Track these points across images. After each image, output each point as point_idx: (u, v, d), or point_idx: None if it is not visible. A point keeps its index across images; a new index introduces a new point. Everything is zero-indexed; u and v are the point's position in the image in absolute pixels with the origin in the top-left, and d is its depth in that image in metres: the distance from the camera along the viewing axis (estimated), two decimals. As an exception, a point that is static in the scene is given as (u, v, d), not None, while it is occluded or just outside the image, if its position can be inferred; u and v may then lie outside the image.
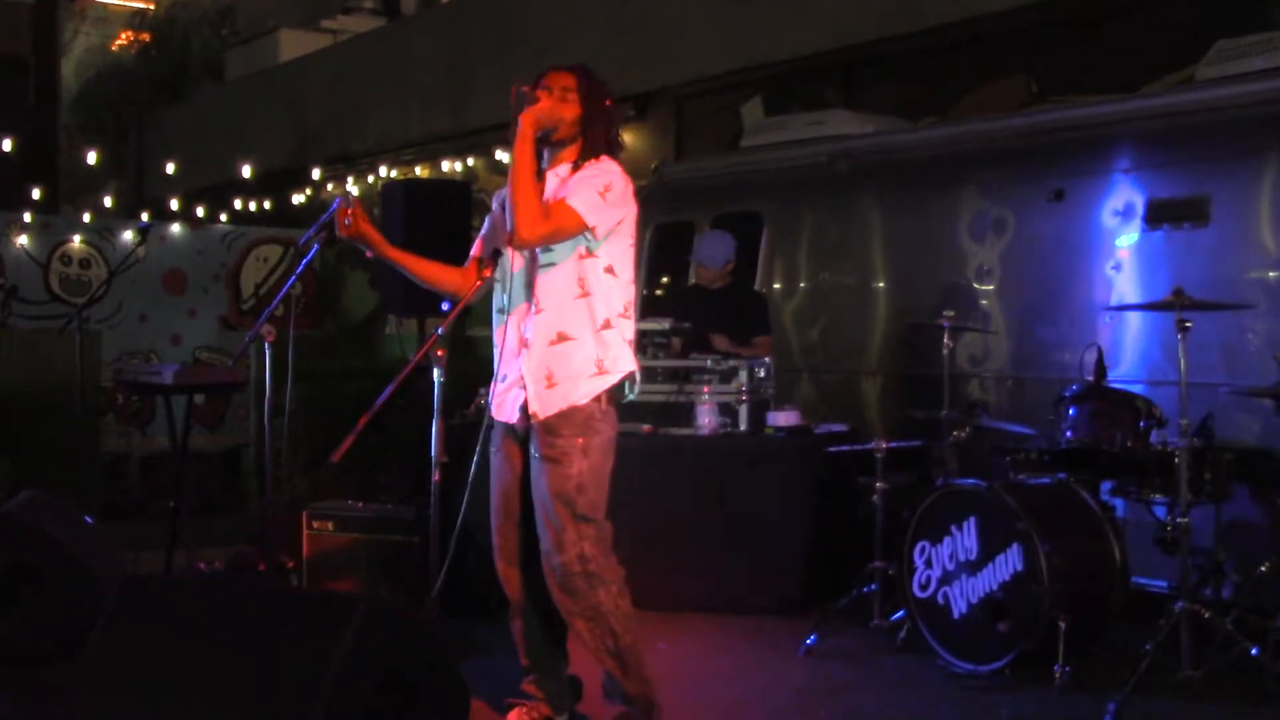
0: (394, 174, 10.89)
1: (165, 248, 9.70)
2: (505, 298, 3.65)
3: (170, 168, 12.40)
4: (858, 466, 5.40)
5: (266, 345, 4.87)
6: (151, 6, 21.22)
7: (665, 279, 7.75)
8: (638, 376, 3.66)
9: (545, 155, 3.66)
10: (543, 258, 3.58)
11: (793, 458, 5.66)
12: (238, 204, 11.71)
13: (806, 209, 7.11)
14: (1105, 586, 4.51)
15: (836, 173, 6.88)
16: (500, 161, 9.63)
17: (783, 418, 5.77)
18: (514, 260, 3.61)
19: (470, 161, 10.18)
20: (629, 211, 3.62)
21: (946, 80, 8.10)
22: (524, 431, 3.62)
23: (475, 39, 10.89)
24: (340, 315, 10.84)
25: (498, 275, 3.67)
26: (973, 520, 4.60)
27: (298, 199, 11.78)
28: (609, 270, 3.58)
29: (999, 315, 6.00)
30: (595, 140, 3.64)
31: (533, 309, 3.57)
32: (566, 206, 3.52)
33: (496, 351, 3.65)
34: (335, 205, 4.88)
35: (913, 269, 6.49)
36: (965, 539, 4.61)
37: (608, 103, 3.68)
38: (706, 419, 5.70)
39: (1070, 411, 4.77)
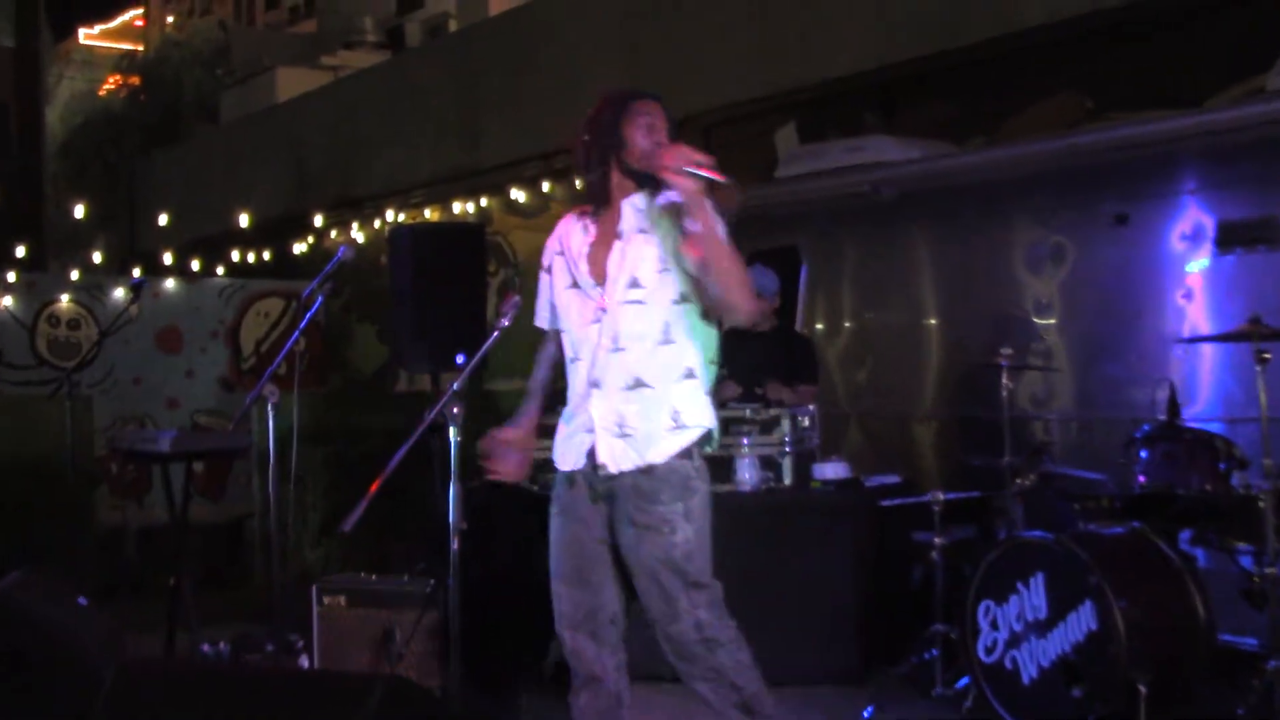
0: (401, 218, 10.96)
1: (159, 304, 9.76)
2: (579, 340, 3.59)
3: (163, 218, 12.52)
4: (913, 521, 5.39)
5: (270, 406, 4.90)
6: (140, 48, 21.60)
7: None
8: (716, 432, 3.59)
9: (611, 183, 3.60)
10: (630, 293, 3.52)
11: (842, 513, 5.64)
12: (235, 255, 11.79)
13: (848, 241, 7.14)
14: (1188, 645, 4.47)
15: (879, 202, 6.92)
16: (516, 201, 9.69)
17: (830, 470, 5.75)
18: (580, 304, 3.57)
19: (484, 202, 10.24)
20: None
21: (993, 99, 8.12)
22: (596, 483, 3.56)
23: (486, 70, 10.99)
24: (348, 371, 10.89)
25: (564, 325, 3.64)
26: (1040, 576, 4.57)
27: (299, 248, 11.86)
28: (703, 315, 3.55)
29: (1061, 351, 5.99)
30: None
31: (610, 346, 3.52)
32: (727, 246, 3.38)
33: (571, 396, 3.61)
34: (340, 254, 4.97)
35: (965, 304, 6.51)
36: (1033, 597, 4.58)
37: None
38: (747, 474, 5.69)
39: (1142, 454, 4.75)
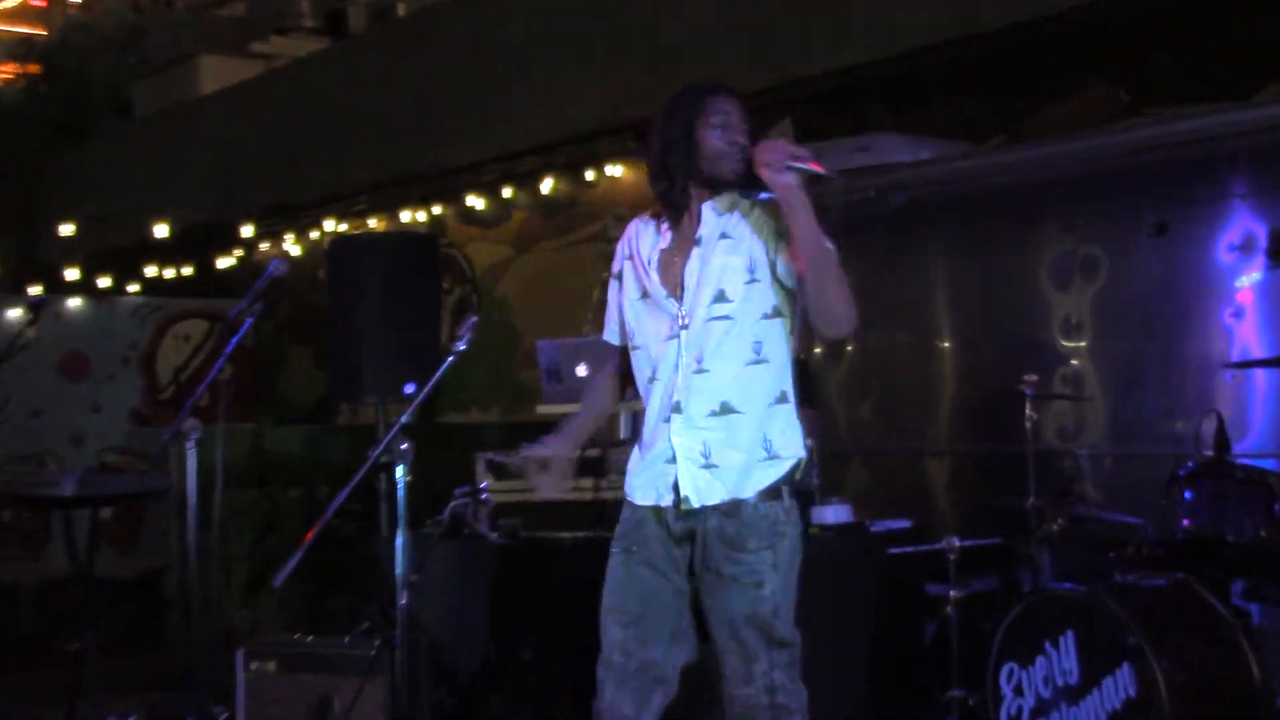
0: (343, 228, 10.98)
1: (62, 326, 9.75)
2: (656, 358, 3.61)
3: (67, 228, 12.46)
4: (926, 571, 5.41)
5: (191, 443, 4.91)
6: (41, 32, 21.54)
7: None
8: (804, 462, 3.64)
9: (688, 192, 3.64)
10: (716, 307, 3.54)
11: (845, 563, 5.65)
12: (151, 270, 11.76)
13: (852, 253, 6.98)
14: (1241, 710, 4.45)
15: (888, 209, 6.96)
16: (473, 208, 9.70)
17: (831, 514, 5.76)
18: (654, 318, 3.61)
19: (437, 210, 10.24)
20: None
21: (1015, 94, 8.16)
22: (675, 522, 3.57)
23: (440, 61, 11.01)
24: (281, 403, 10.90)
25: (637, 341, 3.66)
26: (1071, 635, 4.56)
27: (225, 262, 11.83)
28: (790, 333, 3.61)
29: (1093, 378, 6.03)
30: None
31: (693, 366, 3.54)
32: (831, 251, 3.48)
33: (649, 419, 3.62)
34: (272, 269, 4.97)
35: (984, 323, 6.54)
36: (1063, 659, 4.58)
37: None
38: (737, 518, 5.70)
39: (1186, 495, 4.75)
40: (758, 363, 3.52)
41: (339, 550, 6.17)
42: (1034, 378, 5.32)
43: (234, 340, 5.13)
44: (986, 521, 5.67)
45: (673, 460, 3.52)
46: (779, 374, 3.56)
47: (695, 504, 3.49)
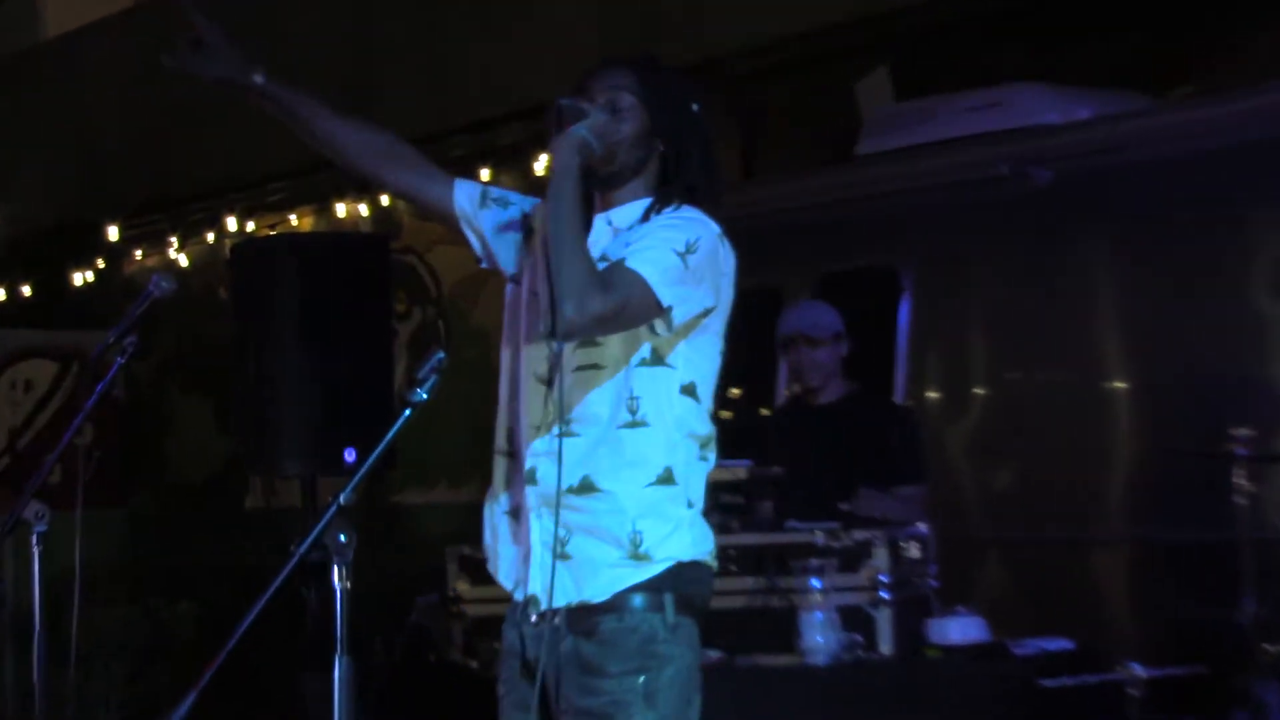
0: (251, 227, 11.04)
1: None
2: (515, 408, 3.85)
3: None
4: (1095, 712, 5.35)
5: (35, 538, 4.85)
6: None
7: (735, 392, 7.76)
8: (709, 566, 3.78)
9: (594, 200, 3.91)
10: (580, 354, 3.75)
11: (977, 698, 5.62)
12: (-26, 289, 11.87)
13: (979, 258, 7.20)
14: None
15: (1029, 191, 6.94)
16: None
17: (956, 629, 5.73)
18: (525, 357, 3.84)
19: (385, 201, 10.24)
20: (722, 293, 3.80)
21: (1199, 29, 8.12)
22: (527, 633, 3.78)
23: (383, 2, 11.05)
24: (166, 479, 10.95)
25: (505, 366, 3.89)
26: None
27: (82, 277, 11.86)
28: (688, 390, 3.78)
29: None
30: (671, 174, 3.88)
31: (555, 430, 3.73)
32: (627, 271, 3.65)
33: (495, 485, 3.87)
34: (152, 288, 4.94)
35: (1171, 355, 6.51)
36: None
37: (693, 111, 3.93)
38: (821, 637, 5.59)
39: None
40: (632, 425, 3.72)
41: (250, 688, 6.13)
42: (1248, 432, 5.26)
43: (98, 389, 5.03)
44: (1182, 641, 5.64)
45: (527, 555, 3.79)
46: (662, 443, 3.74)
47: (542, 605, 3.68)
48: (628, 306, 3.63)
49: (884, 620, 5.64)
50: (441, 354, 3.75)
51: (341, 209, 10.44)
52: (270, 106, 4.00)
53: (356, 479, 3.59)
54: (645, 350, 3.74)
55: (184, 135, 11.71)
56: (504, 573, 3.89)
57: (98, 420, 5.31)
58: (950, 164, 7.22)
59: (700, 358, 3.80)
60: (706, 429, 3.82)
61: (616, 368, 3.74)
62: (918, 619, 5.75)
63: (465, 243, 4.10)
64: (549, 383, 3.77)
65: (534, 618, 3.75)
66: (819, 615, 5.59)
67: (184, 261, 11.32)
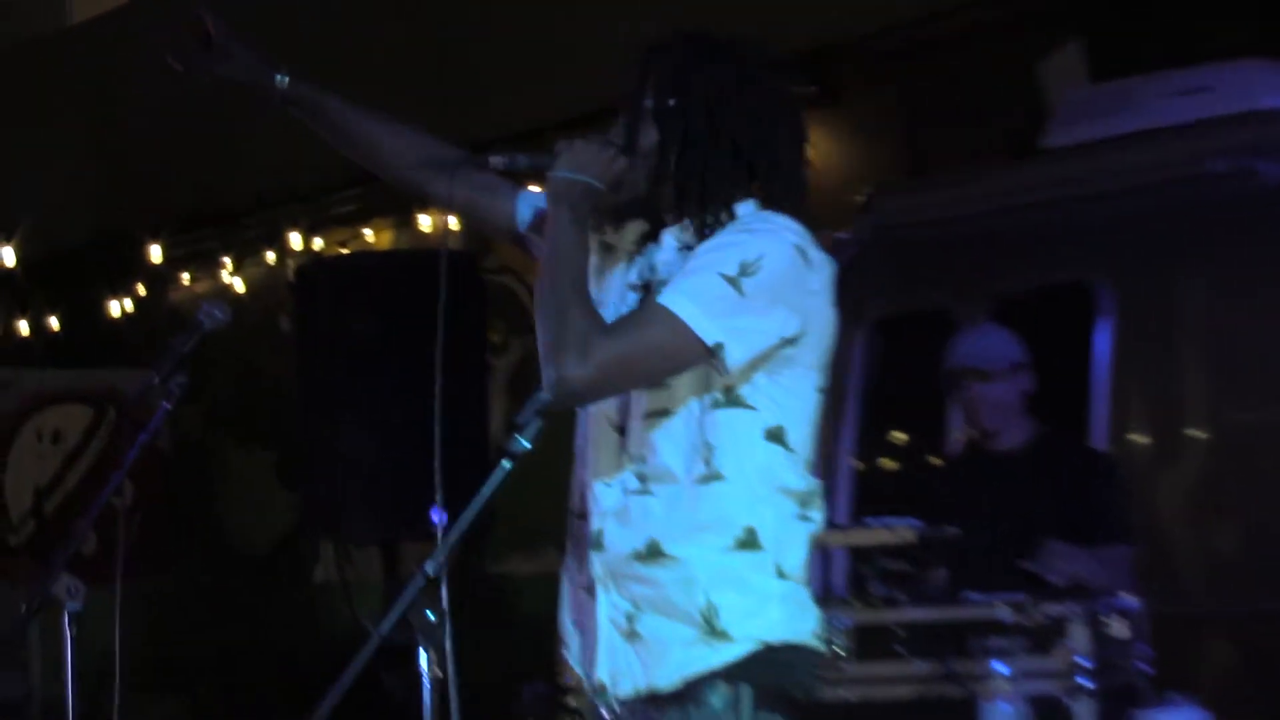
0: (317, 245, 11.13)
1: None
2: (587, 460, 3.92)
3: None
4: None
5: (67, 617, 4.83)
6: None
7: (900, 438, 7.74)
8: (813, 646, 3.78)
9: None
10: (650, 398, 3.80)
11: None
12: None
13: (1193, 271, 7.18)
14: None
15: (1252, 190, 6.92)
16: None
17: (1175, 724, 5.69)
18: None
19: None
20: (809, 317, 3.78)
21: None
22: None
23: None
24: (220, 547, 11.01)
25: (582, 410, 3.93)
26: None
27: (118, 306, 11.94)
28: (774, 436, 3.79)
29: None
30: (715, 183, 3.86)
31: (623, 486, 3.83)
32: (654, 309, 3.71)
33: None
34: (201, 319, 4.89)
35: None
36: None
37: (742, 92, 3.89)
38: (1010, 732, 5.68)
39: None
40: (706, 479, 3.73)
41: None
42: None
43: (139, 440, 5.06)
44: None
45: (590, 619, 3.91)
46: (743, 500, 3.74)
47: (611, 691, 3.82)
48: (651, 352, 3.68)
49: (1084, 713, 5.65)
50: (547, 396, 3.66)
51: (426, 221, 10.45)
52: (297, 112, 4.16)
53: (447, 546, 3.59)
54: (717, 390, 3.76)
55: (237, 134, 11.78)
56: (574, 655, 3.98)
57: (139, 477, 5.31)
58: (1156, 158, 7.22)
59: (788, 396, 3.79)
60: (803, 482, 3.82)
61: (687, 412, 3.78)
62: (1125, 711, 5.72)
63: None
64: (622, 429, 3.86)
65: (604, 713, 3.87)
66: (1005, 707, 5.62)
67: (239, 286, 11.44)
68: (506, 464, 3.69)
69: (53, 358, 11.55)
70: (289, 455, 7.98)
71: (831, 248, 3.96)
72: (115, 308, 11.96)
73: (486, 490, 3.70)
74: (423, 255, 8.88)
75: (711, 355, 3.65)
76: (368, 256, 9.84)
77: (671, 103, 3.86)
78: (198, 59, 4.08)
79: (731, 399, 3.75)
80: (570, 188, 3.79)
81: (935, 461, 7.38)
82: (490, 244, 10.43)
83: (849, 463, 7.64)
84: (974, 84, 9.51)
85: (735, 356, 3.66)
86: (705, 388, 3.75)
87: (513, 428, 3.70)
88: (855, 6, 9.47)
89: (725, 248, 3.72)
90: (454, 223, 10.42)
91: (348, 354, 5.79)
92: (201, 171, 12.01)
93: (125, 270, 11.91)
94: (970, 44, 9.47)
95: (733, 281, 3.65)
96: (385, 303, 5.84)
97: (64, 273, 12.05)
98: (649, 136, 3.86)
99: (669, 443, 3.78)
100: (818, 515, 3.83)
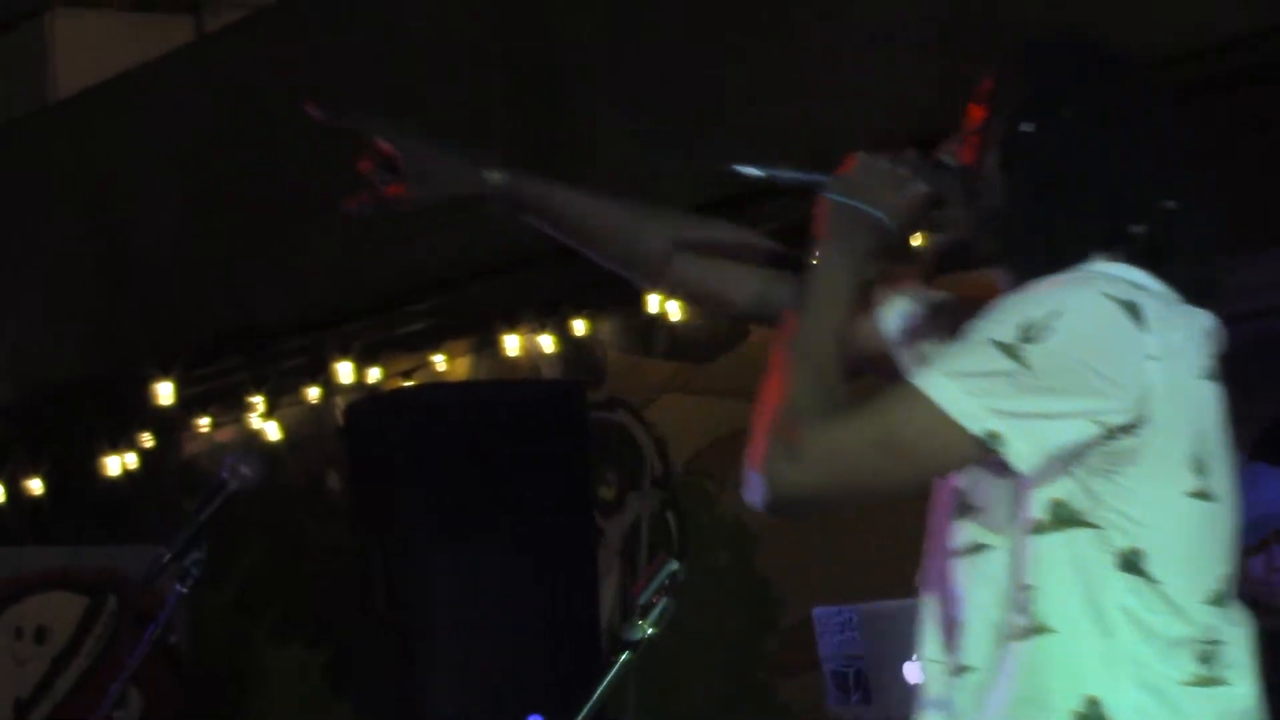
0: (374, 376, 11.32)
1: None
2: (930, 577, 3.94)
3: None
4: None
5: None
6: None
7: None
8: None
9: None
10: (972, 529, 3.79)
11: None
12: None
13: None
14: None
15: None
16: (663, 318, 9.77)
17: None
18: (936, 549, 3.94)
19: (579, 326, 10.32)
20: (1149, 393, 3.62)
21: None
22: None
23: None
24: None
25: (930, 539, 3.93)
26: None
27: (119, 463, 12.07)
28: (1129, 564, 3.66)
29: None
30: (1067, 242, 3.80)
31: (948, 656, 3.85)
32: (900, 388, 3.70)
33: None
34: (225, 477, 5.01)
35: None
36: None
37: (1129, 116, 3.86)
38: None
39: None
40: (1026, 634, 3.68)
41: None
42: None
43: (146, 636, 5.19)
44: None
45: None
46: (1080, 659, 3.66)
47: None
48: (887, 446, 3.66)
49: None
50: (675, 564, 3.75)
51: (513, 343, 10.53)
52: (512, 209, 4.27)
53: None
54: (1038, 506, 3.67)
55: (267, 237, 11.92)
56: None
57: (148, 684, 5.39)
58: None
59: (1146, 507, 3.65)
60: (1182, 627, 3.66)
61: (1005, 543, 3.74)
62: None
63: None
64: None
65: None
66: None
67: (274, 433, 11.51)
68: (625, 655, 3.81)
69: (34, 531, 11.65)
70: (343, 653, 8.12)
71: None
72: (114, 464, 12.11)
73: (599, 689, 3.79)
74: (511, 387, 9.02)
75: (982, 449, 3.59)
76: (439, 389, 9.95)
77: (1028, 128, 3.84)
78: (405, 196, 4.17)
79: (1060, 517, 3.67)
80: (849, 218, 3.83)
81: None
82: (600, 371, 10.56)
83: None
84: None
85: (1025, 451, 3.58)
86: (1019, 505, 3.70)
87: (632, 610, 3.77)
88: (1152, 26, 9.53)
89: (1006, 309, 3.65)
90: (548, 344, 10.62)
91: (417, 519, 5.87)
92: (223, 285, 12.17)
93: (126, 416, 12.07)
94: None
95: (1009, 350, 3.58)
96: (463, 451, 5.92)
97: (48, 420, 12.22)
98: (990, 167, 3.86)
99: (987, 590, 3.78)
100: (1231, 675, 3.67)
